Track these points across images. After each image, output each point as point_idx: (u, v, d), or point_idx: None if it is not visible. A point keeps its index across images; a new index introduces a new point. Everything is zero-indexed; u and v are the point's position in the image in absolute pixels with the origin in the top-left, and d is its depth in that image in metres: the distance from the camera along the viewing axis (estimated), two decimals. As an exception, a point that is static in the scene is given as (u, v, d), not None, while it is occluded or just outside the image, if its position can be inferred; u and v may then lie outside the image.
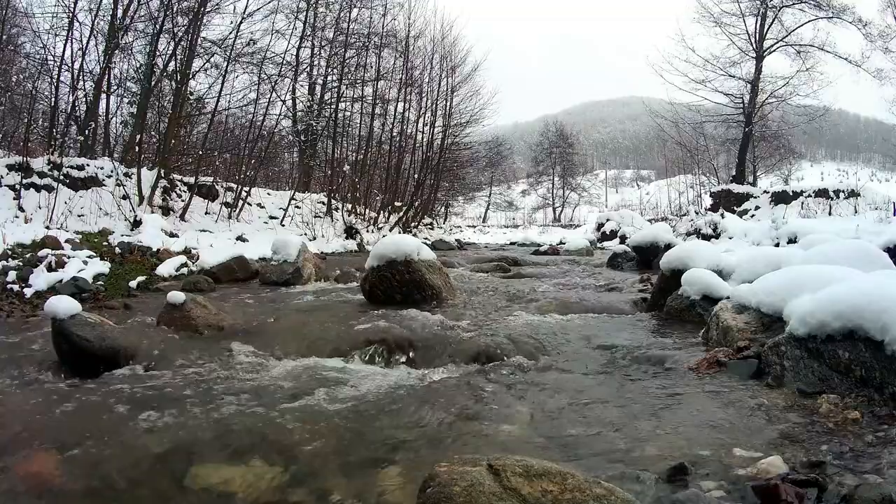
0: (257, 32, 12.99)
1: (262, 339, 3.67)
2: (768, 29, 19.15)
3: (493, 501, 1.30)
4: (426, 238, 16.34)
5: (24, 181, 8.22)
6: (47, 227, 7.31)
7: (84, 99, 11.12)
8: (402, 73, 17.87)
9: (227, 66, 12.17)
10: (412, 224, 19.00)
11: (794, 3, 18.64)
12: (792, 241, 9.00)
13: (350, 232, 13.55)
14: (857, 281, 2.59)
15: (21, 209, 7.78)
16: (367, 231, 14.83)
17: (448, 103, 20.54)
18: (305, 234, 11.80)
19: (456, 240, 18.19)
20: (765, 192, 17.38)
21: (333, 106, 16.38)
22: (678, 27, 27.91)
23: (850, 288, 2.39)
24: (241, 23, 11.88)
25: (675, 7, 22.50)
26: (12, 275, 5.39)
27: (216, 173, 12.55)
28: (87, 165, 9.60)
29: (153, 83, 11.72)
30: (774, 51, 19.35)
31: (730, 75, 19.75)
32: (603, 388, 2.68)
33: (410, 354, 3.33)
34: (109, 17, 10.93)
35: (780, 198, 16.05)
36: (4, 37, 10.84)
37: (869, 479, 1.56)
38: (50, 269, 5.63)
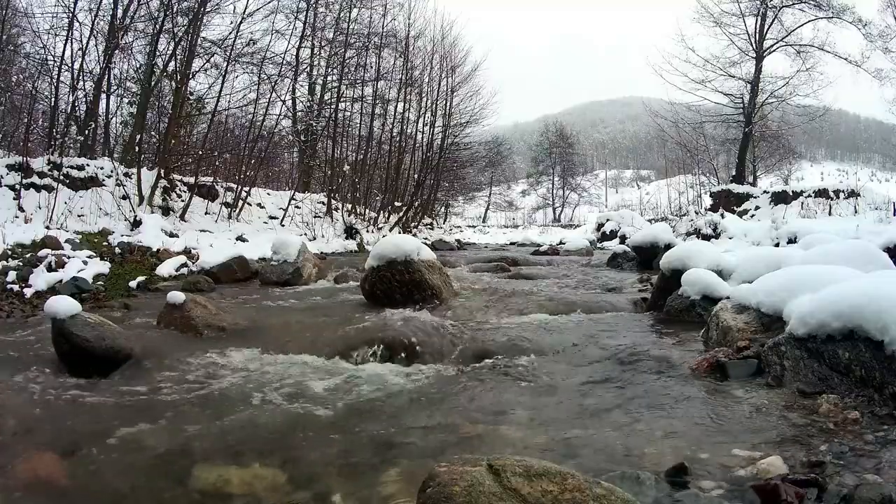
0: (257, 32, 13.03)
1: (262, 339, 3.68)
2: (768, 29, 19.16)
3: (493, 501, 1.30)
4: (426, 238, 16.31)
5: (24, 181, 8.21)
6: (47, 227, 7.30)
7: (84, 99, 11.11)
8: (402, 73, 17.86)
9: (227, 67, 12.18)
10: (412, 224, 18.99)
11: (794, 3, 18.64)
12: (792, 241, 8.99)
13: (350, 232, 13.55)
14: (857, 281, 2.59)
15: (21, 209, 7.77)
16: (367, 231, 14.83)
17: (448, 103, 20.54)
18: (305, 234, 11.79)
19: (456, 240, 18.13)
20: (765, 192, 17.36)
21: (333, 106, 16.36)
22: (678, 27, 27.96)
23: (850, 288, 2.39)
24: (241, 23, 11.90)
25: (675, 7, 22.51)
26: (12, 275, 5.39)
27: (216, 173, 12.54)
28: (87, 165, 9.59)
29: (153, 83, 11.72)
30: (774, 51, 19.35)
31: (730, 75, 19.76)
32: (603, 388, 2.68)
33: (410, 354, 3.32)
34: (109, 17, 10.94)
35: (780, 198, 16.04)
36: (4, 37, 10.82)
37: (869, 479, 1.56)
38: (50, 269, 5.63)
